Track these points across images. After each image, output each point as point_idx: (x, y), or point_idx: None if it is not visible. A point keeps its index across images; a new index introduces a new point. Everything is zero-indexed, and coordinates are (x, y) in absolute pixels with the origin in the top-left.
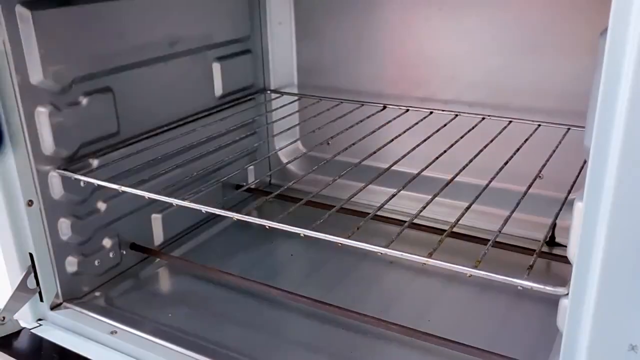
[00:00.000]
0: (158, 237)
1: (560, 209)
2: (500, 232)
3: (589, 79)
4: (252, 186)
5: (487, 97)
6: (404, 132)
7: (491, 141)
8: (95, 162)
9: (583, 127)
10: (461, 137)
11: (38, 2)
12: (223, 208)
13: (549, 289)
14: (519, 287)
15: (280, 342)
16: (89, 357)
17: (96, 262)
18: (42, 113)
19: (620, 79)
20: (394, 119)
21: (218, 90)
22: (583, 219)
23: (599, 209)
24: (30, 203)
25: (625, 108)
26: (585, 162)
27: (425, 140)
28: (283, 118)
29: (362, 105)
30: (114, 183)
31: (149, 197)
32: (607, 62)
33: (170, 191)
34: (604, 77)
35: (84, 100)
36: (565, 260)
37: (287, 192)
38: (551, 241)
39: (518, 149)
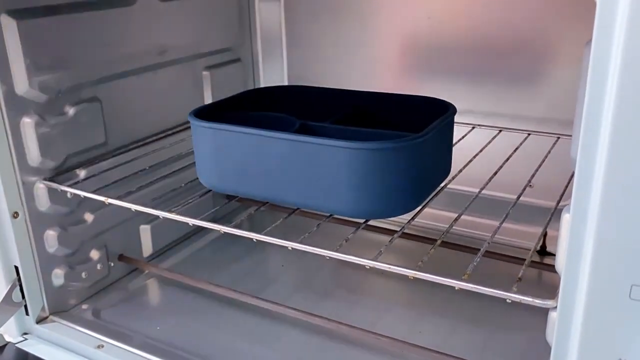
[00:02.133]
0: (147, 248)
1: (550, 218)
2: (489, 243)
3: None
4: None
5: (477, 105)
6: None
7: (481, 150)
8: (82, 173)
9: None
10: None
11: (24, 11)
12: (213, 219)
13: (537, 302)
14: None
15: (270, 354)
16: None
17: (83, 275)
18: (27, 124)
19: (605, 90)
20: None
21: (208, 99)
22: (570, 231)
23: (586, 221)
24: (15, 215)
25: (610, 119)
26: (573, 173)
27: None
28: None
29: None
30: (101, 194)
31: (135, 210)
32: (592, 74)
33: (158, 202)
34: (589, 89)
35: (71, 111)
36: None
37: None
38: (542, 250)
39: (508, 158)
